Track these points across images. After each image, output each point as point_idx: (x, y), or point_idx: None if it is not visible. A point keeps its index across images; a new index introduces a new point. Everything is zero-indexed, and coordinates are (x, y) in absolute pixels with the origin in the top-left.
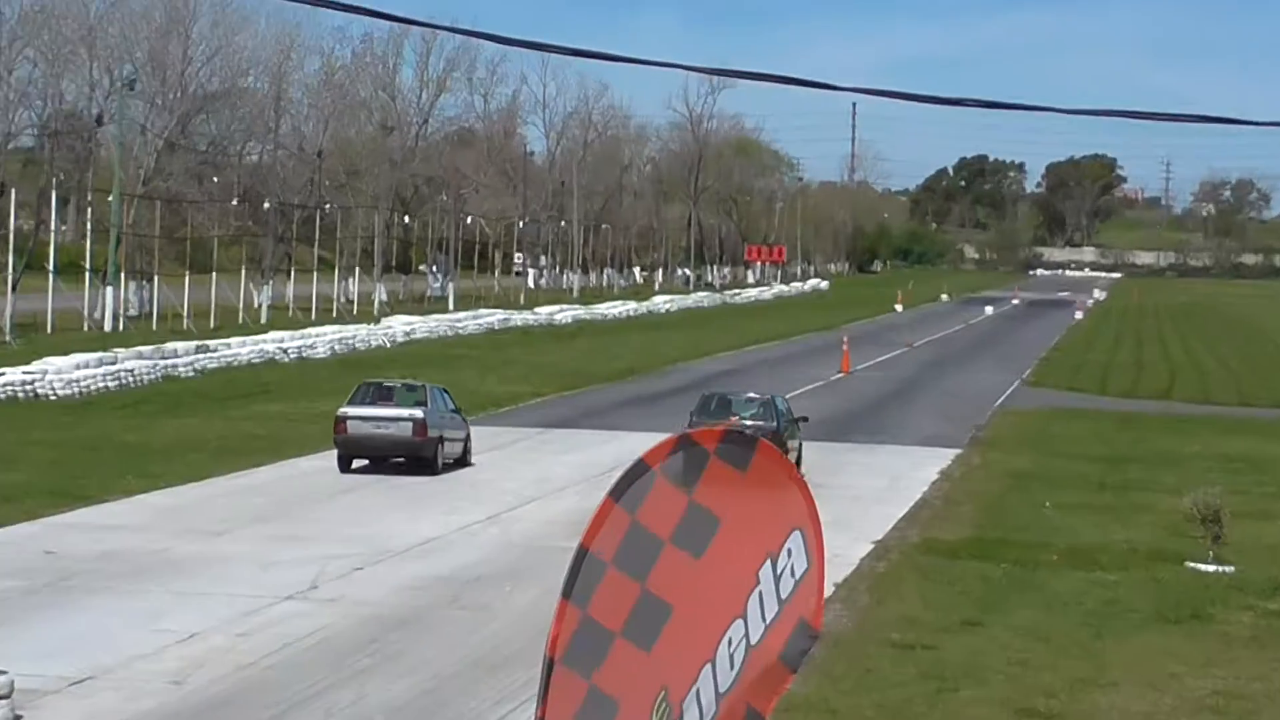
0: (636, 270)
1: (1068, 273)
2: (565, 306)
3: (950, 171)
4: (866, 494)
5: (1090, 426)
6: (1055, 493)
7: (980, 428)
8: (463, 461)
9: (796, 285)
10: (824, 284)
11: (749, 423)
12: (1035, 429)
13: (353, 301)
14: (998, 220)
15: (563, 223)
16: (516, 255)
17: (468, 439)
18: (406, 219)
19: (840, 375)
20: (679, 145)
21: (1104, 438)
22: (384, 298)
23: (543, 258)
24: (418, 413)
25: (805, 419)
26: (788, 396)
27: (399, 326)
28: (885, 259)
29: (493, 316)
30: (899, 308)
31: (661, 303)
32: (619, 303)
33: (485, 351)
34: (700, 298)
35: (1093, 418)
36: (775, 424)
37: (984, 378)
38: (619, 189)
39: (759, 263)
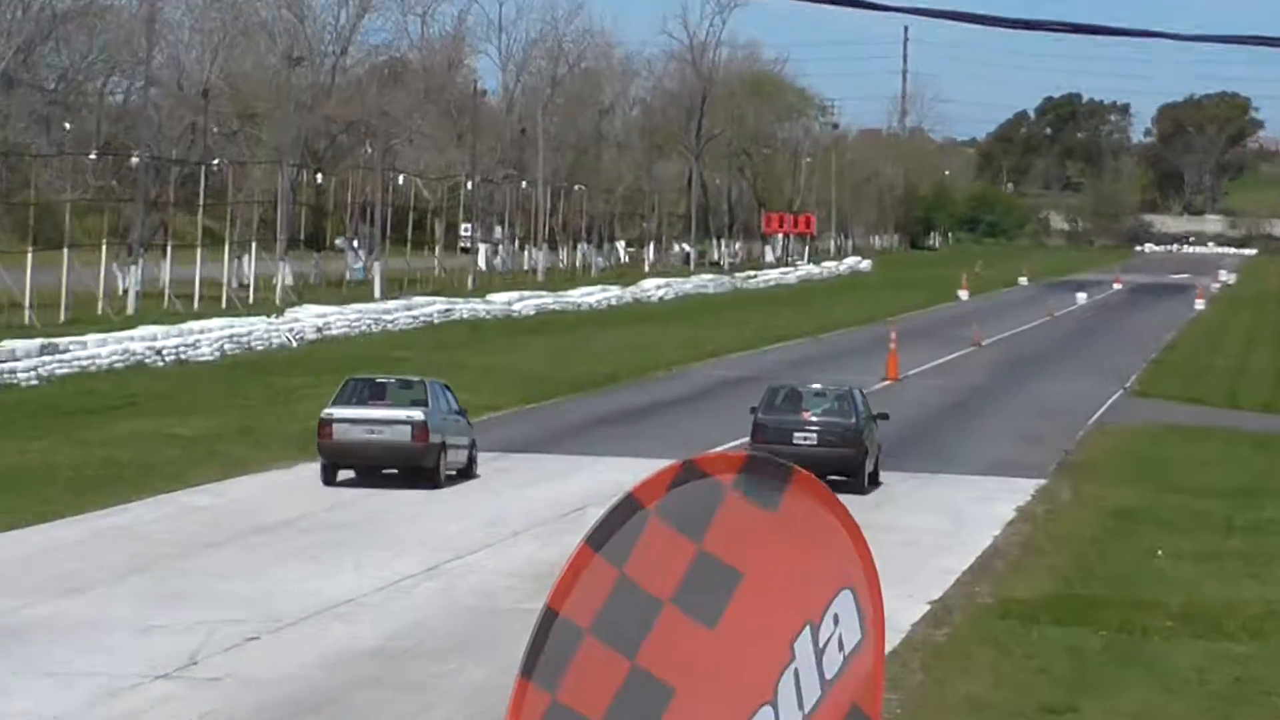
0: (620, 246)
1: (1186, 248)
2: (527, 293)
3: (1031, 116)
4: (922, 538)
5: (1216, 449)
6: (1169, 537)
7: (1070, 451)
8: (467, 473)
9: (829, 265)
10: (865, 263)
11: (821, 420)
12: (1143, 453)
13: (248, 287)
14: (1094, 180)
15: (524, 183)
16: (464, 226)
17: (473, 445)
18: (319, 178)
19: (887, 382)
20: (676, 82)
21: (1235, 464)
22: (289, 281)
23: (498, 229)
24: (416, 414)
25: (885, 415)
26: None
27: (308, 319)
28: (946, 230)
29: (432, 306)
30: (963, 294)
31: (653, 288)
32: (597, 288)
33: (422, 352)
34: (704, 281)
35: (1220, 438)
36: (854, 421)
37: (1076, 386)
38: (597, 139)
39: (781, 235)
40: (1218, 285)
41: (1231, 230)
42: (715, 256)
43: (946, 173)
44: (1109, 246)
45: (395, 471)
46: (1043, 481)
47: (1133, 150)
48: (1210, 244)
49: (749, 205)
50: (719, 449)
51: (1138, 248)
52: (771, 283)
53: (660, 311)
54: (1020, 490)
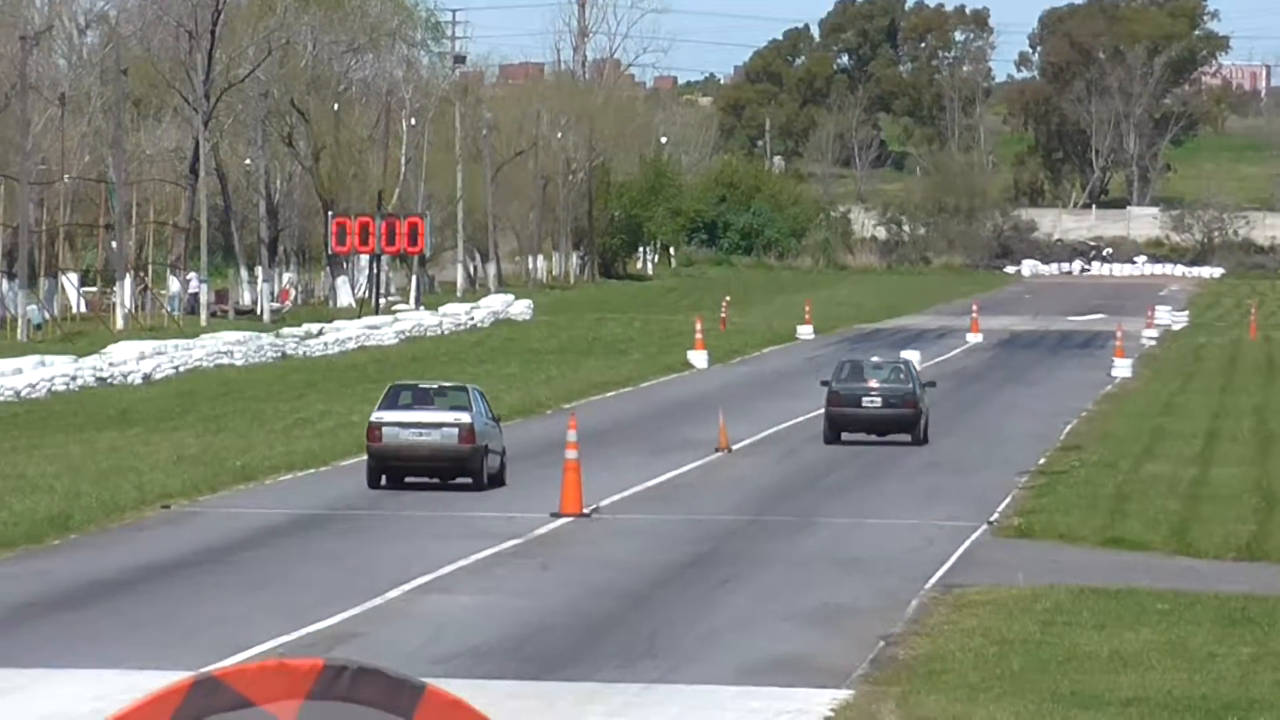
0: (71, 282)
1: (1097, 267)
2: None
3: (815, 35)
4: None
5: (1156, 633)
6: None
7: (895, 639)
8: (498, 479)
9: (455, 310)
10: (521, 306)
11: (884, 386)
12: (1025, 640)
13: None
14: (932, 150)
15: None
16: None
17: (504, 453)
18: None
19: (566, 519)
20: None
21: (1190, 660)
22: None
23: None
24: (464, 417)
25: (933, 384)
26: None
27: None
28: (667, 243)
29: None
30: (698, 358)
31: (131, 360)
32: (25, 362)
33: None
34: (226, 344)
35: (1160, 612)
36: (911, 386)
37: (904, 519)
38: (22, 91)
39: (365, 257)
40: (1153, 333)
41: (1176, 233)
42: (249, 298)
43: (664, 140)
44: (959, 268)
45: (433, 478)
46: (843, 697)
47: (1000, 95)
48: (1139, 259)
49: (310, 206)
50: (257, 653)
51: (1011, 268)
52: (352, 345)
53: (145, 405)
54: (798, 707)
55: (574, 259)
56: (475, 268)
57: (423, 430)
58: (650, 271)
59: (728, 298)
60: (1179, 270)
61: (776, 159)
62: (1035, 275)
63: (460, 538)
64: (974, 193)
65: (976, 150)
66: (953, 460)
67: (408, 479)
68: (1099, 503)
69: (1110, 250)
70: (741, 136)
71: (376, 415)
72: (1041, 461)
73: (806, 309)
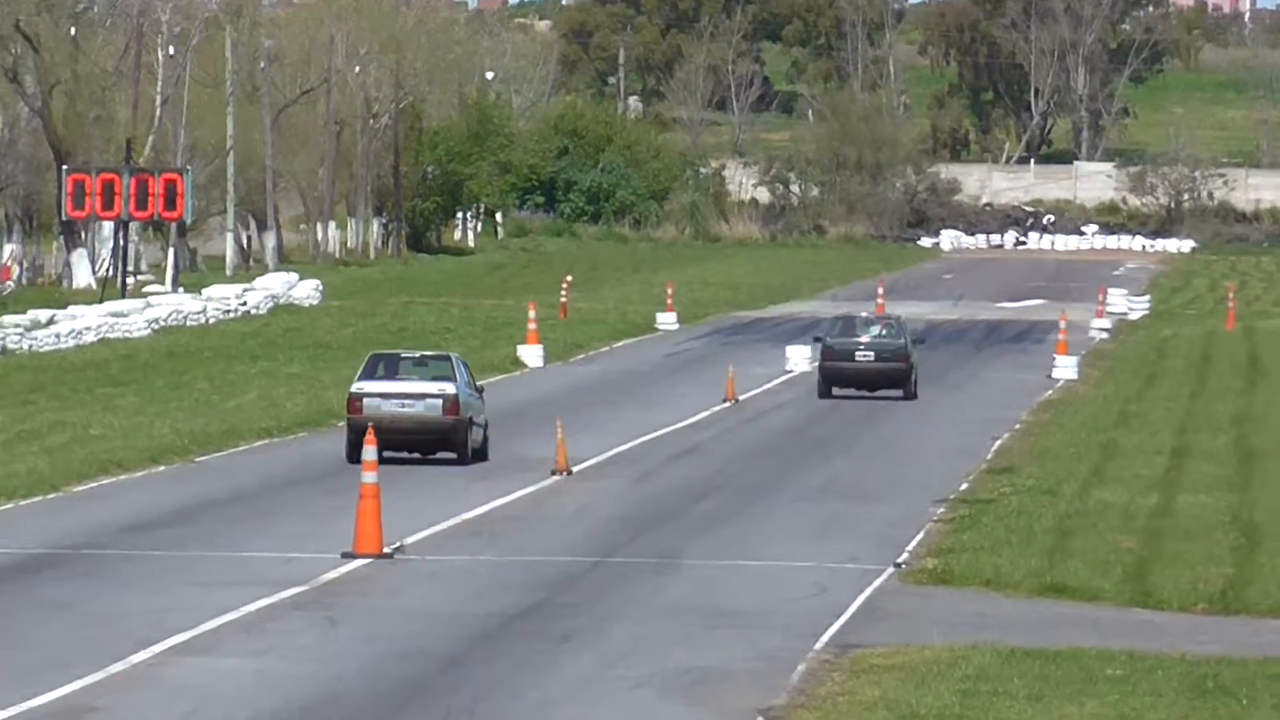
0: None
1: (1035, 238)
2: None
3: None
4: None
5: (1105, 708)
6: None
7: (774, 714)
8: (481, 453)
9: (223, 294)
10: (306, 288)
11: (877, 341)
12: (931, 709)
13: None
14: (826, 88)
15: None
16: None
17: (486, 426)
18: None
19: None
20: None
21: None
22: None
23: None
24: (448, 387)
25: (922, 340)
26: None
27: None
28: (491, 208)
29: None
30: (531, 357)
31: None
32: None
33: None
34: None
35: (1110, 679)
36: (903, 342)
37: (781, 561)
38: None
39: (110, 223)
40: (1105, 324)
41: (1135, 196)
42: None
43: (490, 75)
44: (862, 240)
45: (414, 451)
46: None
47: (914, 19)
48: (1088, 229)
49: (40, 159)
50: None
51: (928, 240)
52: (91, 337)
53: None
54: None
55: (375, 227)
56: (250, 239)
57: (405, 401)
58: (472, 243)
59: (569, 277)
60: (1139, 243)
61: (632, 100)
62: (958, 249)
63: (227, 584)
64: (881, 144)
65: (885, 90)
66: (852, 485)
67: (386, 453)
68: (1035, 539)
69: (1052, 218)
70: (588, 71)
71: (357, 386)
72: (964, 487)
73: (669, 292)
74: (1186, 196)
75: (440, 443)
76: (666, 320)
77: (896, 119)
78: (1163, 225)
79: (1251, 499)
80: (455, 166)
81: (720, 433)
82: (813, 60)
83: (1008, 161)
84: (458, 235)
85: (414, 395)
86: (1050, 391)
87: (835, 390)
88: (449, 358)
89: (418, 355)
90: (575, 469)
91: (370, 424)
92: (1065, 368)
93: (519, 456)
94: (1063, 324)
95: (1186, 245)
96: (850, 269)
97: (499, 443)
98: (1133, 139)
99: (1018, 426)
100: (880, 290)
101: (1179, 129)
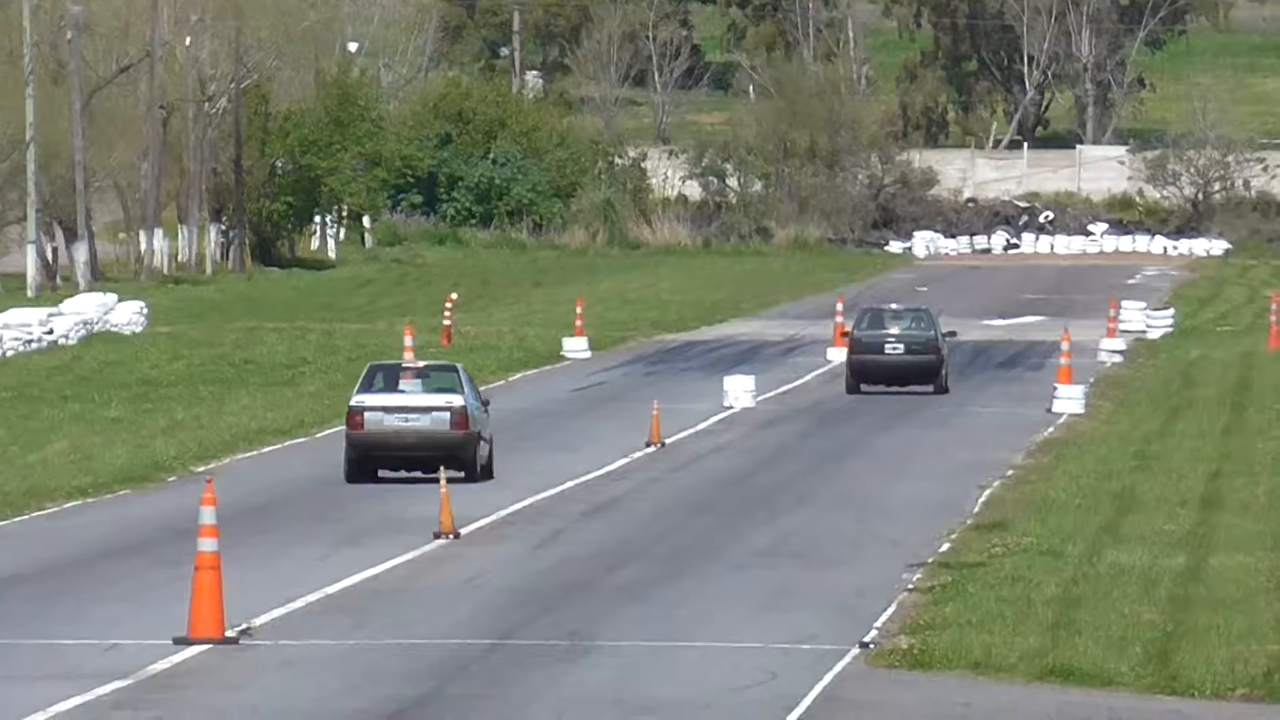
0: None
1: (1029, 239)
2: None
3: None
4: None
5: None
6: None
7: None
8: (488, 471)
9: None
10: (113, 313)
11: (906, 333)
12: None
13: None
14: (781, 51)
15: None
16: None
17: (492, 441)
18: None
19: None
20: None
21: None
22: None
23: None
24: (455, 399)
25: (954, 333)
26: None
27: None
28: (364, 209)
29: None
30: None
31: None
32: None
33: None
34: None
35: None
36: (934, 334)
37: (726, 641)
38: None
39: None
40: (1117, 344)
41: (1154, 187)
42: None
43: (354, 47)
44: (817, 245)
45: (418, 470)
46: None
47: None
48: (1096, 228)
49: None
50: None
51: (898, 245)
52: None
53: None
54: None
55: (213, 236)
56: (56, 251)
57: (409, 415)
58: (333, 254)
59: (454, 295)
60: (1158, 245)
61: (531, 76)
62: (935, 255)
63: (32, 677)
64: (839, 126)
65: (842, 59)
66: (808, 546)
67: (380, 473)
68: (1035, 612)
69: (1050, 215)
70: (476, 40)
71: (357, 399)
72: (945, 547)
73: (578, 311)
74: (1217, 186)
75: (447, 459)
76: (575, 346)
77: (857, 95)
78: (1188, 222)
79: None
80: (312, 159)
81: (643, 484)
82: (753, 24)
83: (995, 146)
84: (315, 244)
85: (420, 409)
86: (1051, 429)
87: (864, 387)
88: (454, 368)
89: (421, 365)
90: (464, 530)
91: (374, 440)
92: (1069, 399)
93: (394, 516)
94: (1065, 345)
95: (1218, 246)
96: (802, 281)
97: (368, 502)
98: (1150, 117)
99: (1011, 472)
100: (840, 307)
101: (1207, 103)
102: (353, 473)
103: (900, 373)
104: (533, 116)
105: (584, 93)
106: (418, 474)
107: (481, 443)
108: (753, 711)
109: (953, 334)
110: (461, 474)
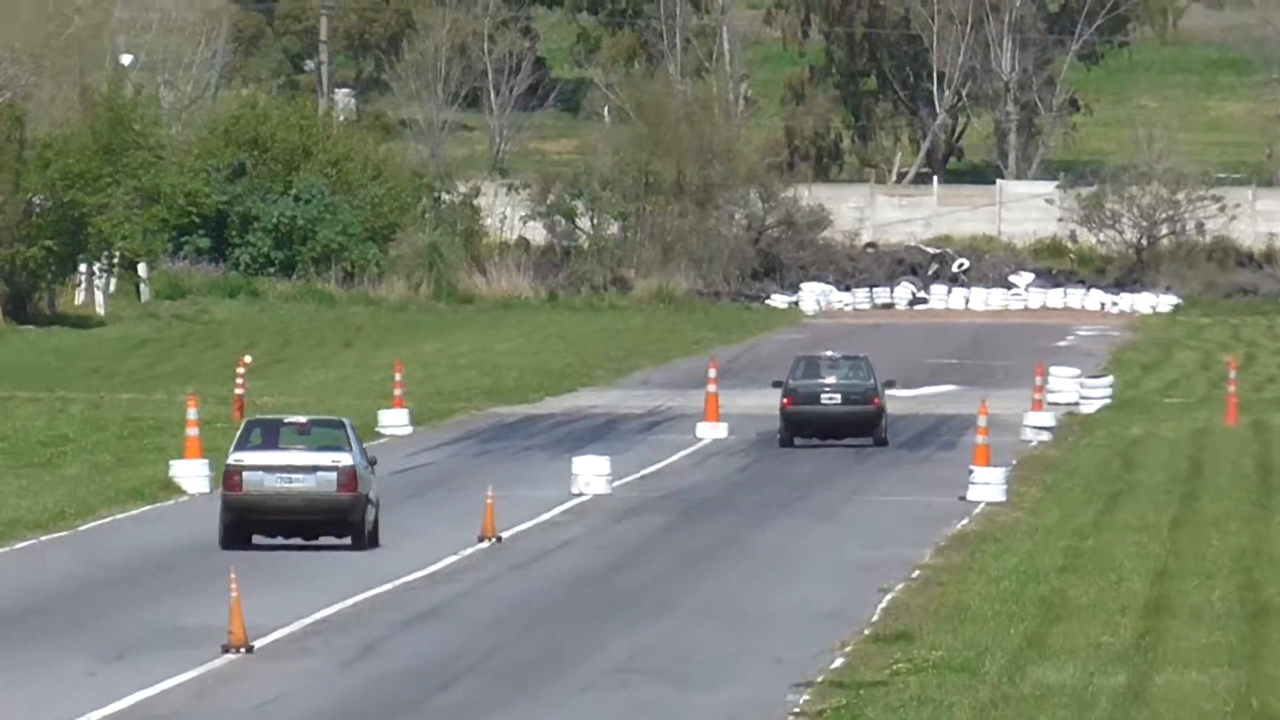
0: None
1: (943, 293)
2: None
3: None
4: None
5: None
6: None
7: None
8: (374, 538)
9: None
10: None
11: (843, 382)
12: None
13: None
14: (642, 65)
15: None
16: None
17: (378, 505)
18: None
19: None
20: None
21: None
22: None
23: None
24: (343, 458)
25: (893, 382)
26: None
27: None
28: (140, 255)
29: None
30: (189, 478)
31: None
32: None
33: None
34: None
35: None
36: (873, 383)
37: None
38: None
39: None
40: (1045, 419)
41: (1089, 230)
42: None
43: (129, 59)
44: (685, 299)
45: (298, 537)
46: None
47: None
48: (1019, 278)
49: None
50: None
51: (783, 298)
52: None
53: None
54: None
55: None
56: None
57: (294, 475)
58: (102, 309)
59: (247, 358)
60: (1094, 300)
61: (342, 95)
62: (827, 311)
63: None
64: (711, 156)
65: (716, 76)
66: (673, 661)
67: (254, 538)
68: None
69: (965, 264)
70: (275, 52)
71: (235, 457)
72: (838, 663)
73: (396, 378)
74: (1165, 230)
75: (333, 524)
76: (394, 420)
77: (734, 119)
78: (1130, 273)
79: (1263, 676)
80: (76, 195)
81: (475, 586)
82: (609, 34)
83: (899, 181)
84: (81, 297)
85: (303, 468)
86: (965, 520)
87: (798, 440)
88: (342, 423)
89: (304, 420)
90: (259, 643)
91: (252, 503)
92: (987, 484)
93: (175, 627)
94: (983, 420)
95: (1165, 302)
96: (668, 342)
97: (139, 610)
98: (1084, 146)
99: (917, 573)
100: (712, 373)
101: (1152, 130)
102: (228, 538)
103: (837, 424)
104: (344, 143)
105: (405, 114)
106: (296, 540)
107: (369, 506)
108: None
109: (891, 383)
110: (348, 540)
